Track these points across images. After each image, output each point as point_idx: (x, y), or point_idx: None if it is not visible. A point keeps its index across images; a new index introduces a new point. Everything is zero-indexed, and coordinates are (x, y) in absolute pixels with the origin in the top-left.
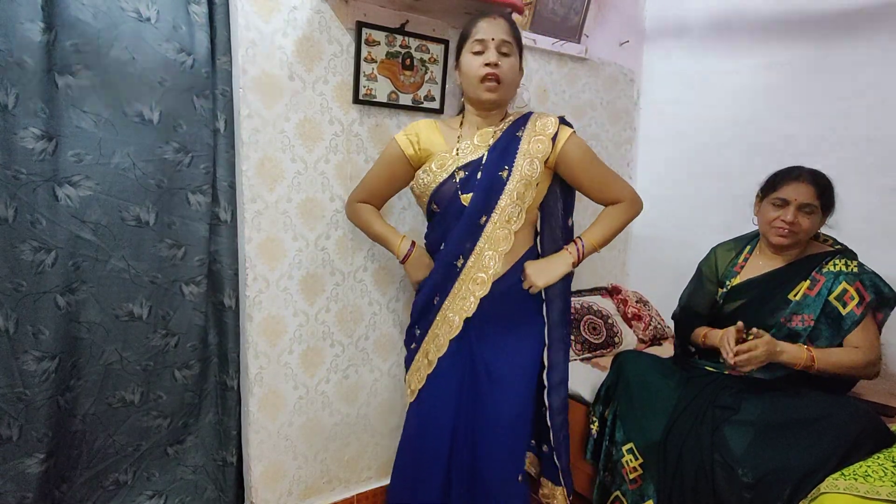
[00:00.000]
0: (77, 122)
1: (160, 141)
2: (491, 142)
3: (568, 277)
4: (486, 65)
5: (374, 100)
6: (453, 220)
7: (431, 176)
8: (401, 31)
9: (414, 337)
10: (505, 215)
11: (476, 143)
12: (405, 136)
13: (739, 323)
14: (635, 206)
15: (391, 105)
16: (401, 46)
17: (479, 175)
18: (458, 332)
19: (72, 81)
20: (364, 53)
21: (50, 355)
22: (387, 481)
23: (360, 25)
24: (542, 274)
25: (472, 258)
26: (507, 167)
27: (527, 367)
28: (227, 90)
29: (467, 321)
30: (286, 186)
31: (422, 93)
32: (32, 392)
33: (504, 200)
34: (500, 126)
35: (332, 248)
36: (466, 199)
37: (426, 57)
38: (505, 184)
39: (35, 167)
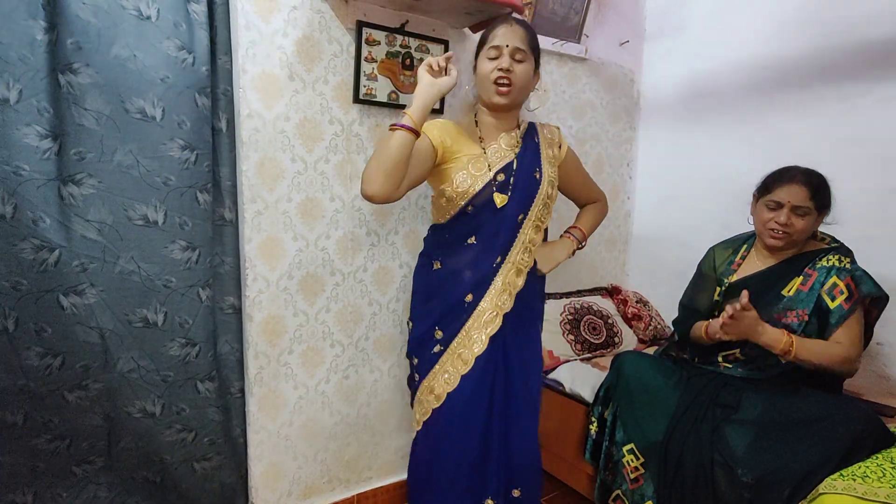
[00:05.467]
0: (78, 120)
1: (164, 138)
2: (516, 146)
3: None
4: (500, 69)
5: (375, 99)
6: (488, 217)
7: (471, 179)
8: (401, 30)
9: (433, 339)
10: (538, 213)
11: (503, 146)
12: (436, 128)
13: (745, 294)
14: (607, 205)
15: (391, 105)
16: (401, 46)
17: (514, 177)
18: (498, 328)
19: (73, 79)
20: (365, 53)
21: (53, 352)
22: (387, 481)
23: (361, 25)
24: (548, 260)
25: (510, 254)
26: (538, 169)
27: (538, 354)
28: (229, 90)
29: (505, 315)
30: (286, 186)
31: None
32: (36, 384)
33: (538, 199)
34: (520, 132)
35: (332, 248)
36: (501, 199)
37: (426, 57)
38: (539, 184)
39: (39, 165)
